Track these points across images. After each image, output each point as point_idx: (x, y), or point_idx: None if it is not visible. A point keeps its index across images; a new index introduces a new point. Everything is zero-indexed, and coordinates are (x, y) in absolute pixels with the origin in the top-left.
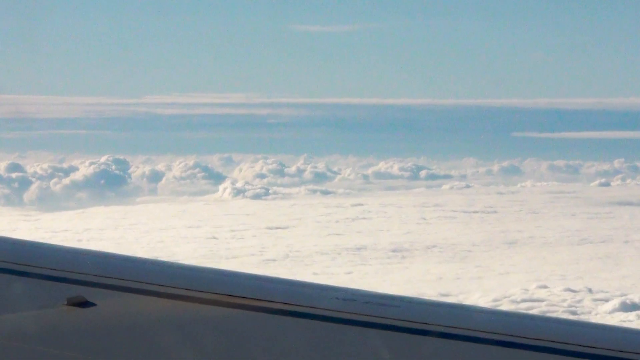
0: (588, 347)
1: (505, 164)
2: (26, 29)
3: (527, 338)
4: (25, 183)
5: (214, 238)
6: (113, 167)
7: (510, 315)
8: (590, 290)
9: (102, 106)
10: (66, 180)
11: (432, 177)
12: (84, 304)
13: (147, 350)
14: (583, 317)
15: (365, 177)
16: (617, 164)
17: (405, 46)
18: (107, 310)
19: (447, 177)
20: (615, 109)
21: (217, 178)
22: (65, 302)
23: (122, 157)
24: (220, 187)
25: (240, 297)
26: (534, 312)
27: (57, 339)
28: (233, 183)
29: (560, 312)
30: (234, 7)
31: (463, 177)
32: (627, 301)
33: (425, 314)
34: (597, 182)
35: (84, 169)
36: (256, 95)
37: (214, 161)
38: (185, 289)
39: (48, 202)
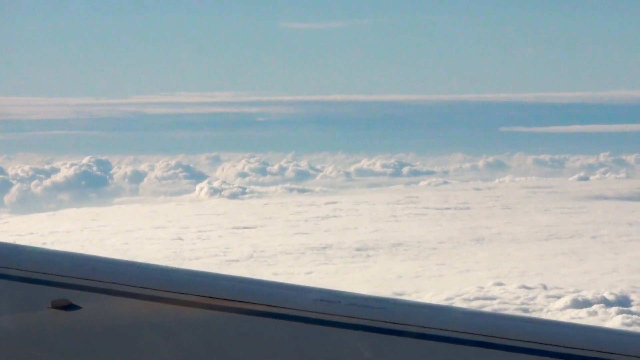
0: (570, 347)
1: (490, 159)
2: (12, 31)
3: (514, 340)
4: (6, 185)
5: (179, 239)
6: (94, 168)
7: (497, 317)
8: (545, 287)
9: (91, 107)
10: (47, 182)
11: (415, 173)
12: (68, 307)
13: (133, 353)
14: (534, 315)
15: (347, 174)
16: (602, 157)
17: (393, 42)
18: (92, 313)
19: (430, 173)
20: (603, 102)
21: (198, 178)
22: (50, 305)
23: (104, 158)
24: (197, 187)
25: (224, 299)
26: (486, 310)
27: (42, 342)
28: (210, 183)
29: (512, 310)
30: (221, 5)
31: (445, 173)
32: (579, 298)
33: (410, 315)
34: (576, 176)
35: (65, 170)
36: (244, 93)
37: (201, 160)
38: (171, 292)
39: (28, 204)
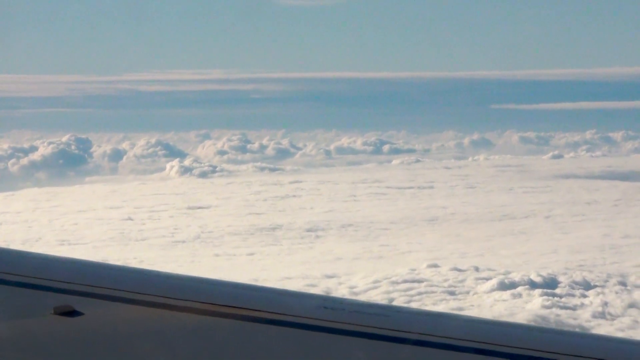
0: (572, 356)
1: (476, 136)
2: (4, 8)
3: (517, 347)
4: None
5: (130, 219)
6: (73, 146)
7: (501, 324)
8: (476, 269)
9: (85, 84)
10: (24, 161)
11: (395, 151)
12: (71, 313)
13: None
14: (460, 297)
15: (327, 152)
16: (588, 134)
17: (387, 19)
18: (95, 320)
19: (411, 151)
20: (594, 79)
21: (178, 155)
22: (53, 312)
23: (85, 136)
24: (168, 166)
25: (227, 306)
26: (412, 292)
27: (45, 348)
28: (181, 161)
29: (438, 293)
30: None
31: (427, 151)
32: (506, 280)
33: (413, 323)
34: (550, 154)
35: (43, 149)
36: (239, 71)
37: (190, 138)
38: (175, 299)
39: (4, 183)
